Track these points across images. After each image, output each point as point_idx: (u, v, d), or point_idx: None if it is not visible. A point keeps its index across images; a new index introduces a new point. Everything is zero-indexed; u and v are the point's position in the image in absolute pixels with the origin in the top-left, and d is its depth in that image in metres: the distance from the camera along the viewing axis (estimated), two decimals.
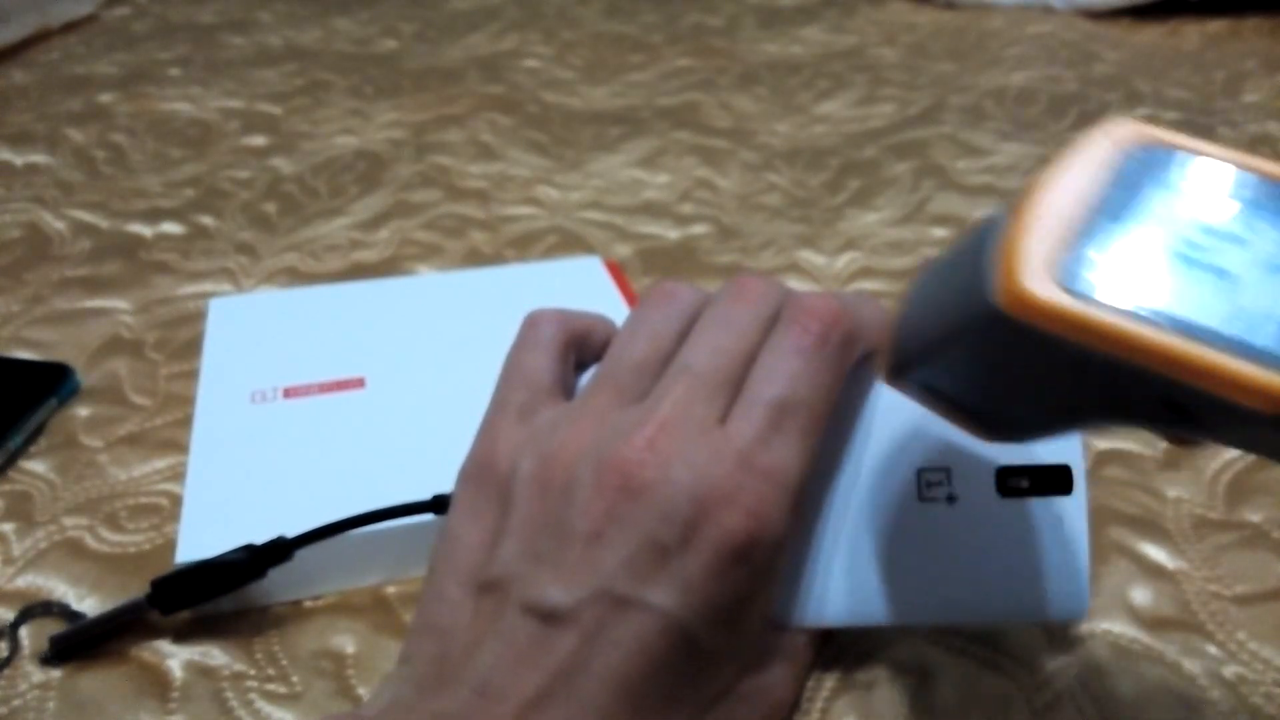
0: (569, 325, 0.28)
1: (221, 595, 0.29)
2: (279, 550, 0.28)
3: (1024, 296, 0.16)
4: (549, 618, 0.22)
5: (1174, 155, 0.17)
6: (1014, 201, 0.17)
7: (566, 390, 0.27)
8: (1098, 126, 0.17)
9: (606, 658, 0.21)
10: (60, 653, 0.28)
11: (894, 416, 0.27)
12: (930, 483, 0.26)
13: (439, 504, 0.28)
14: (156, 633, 0.29)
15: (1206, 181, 0.17)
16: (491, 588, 0.23)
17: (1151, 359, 0.15)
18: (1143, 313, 0.15)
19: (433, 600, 0.24)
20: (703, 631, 0.22)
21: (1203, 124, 0.59)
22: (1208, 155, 0.17)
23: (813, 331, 0.24)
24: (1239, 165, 0.17)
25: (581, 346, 0.28)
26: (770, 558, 0.23)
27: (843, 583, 0.26)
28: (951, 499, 0.26)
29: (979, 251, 0.17)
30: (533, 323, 0.28)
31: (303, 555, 0.29)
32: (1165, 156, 0.17)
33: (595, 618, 0.22)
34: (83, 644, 0.28)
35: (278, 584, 0.29)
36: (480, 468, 0.25)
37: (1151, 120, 0.54)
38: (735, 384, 0.24)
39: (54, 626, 0.29)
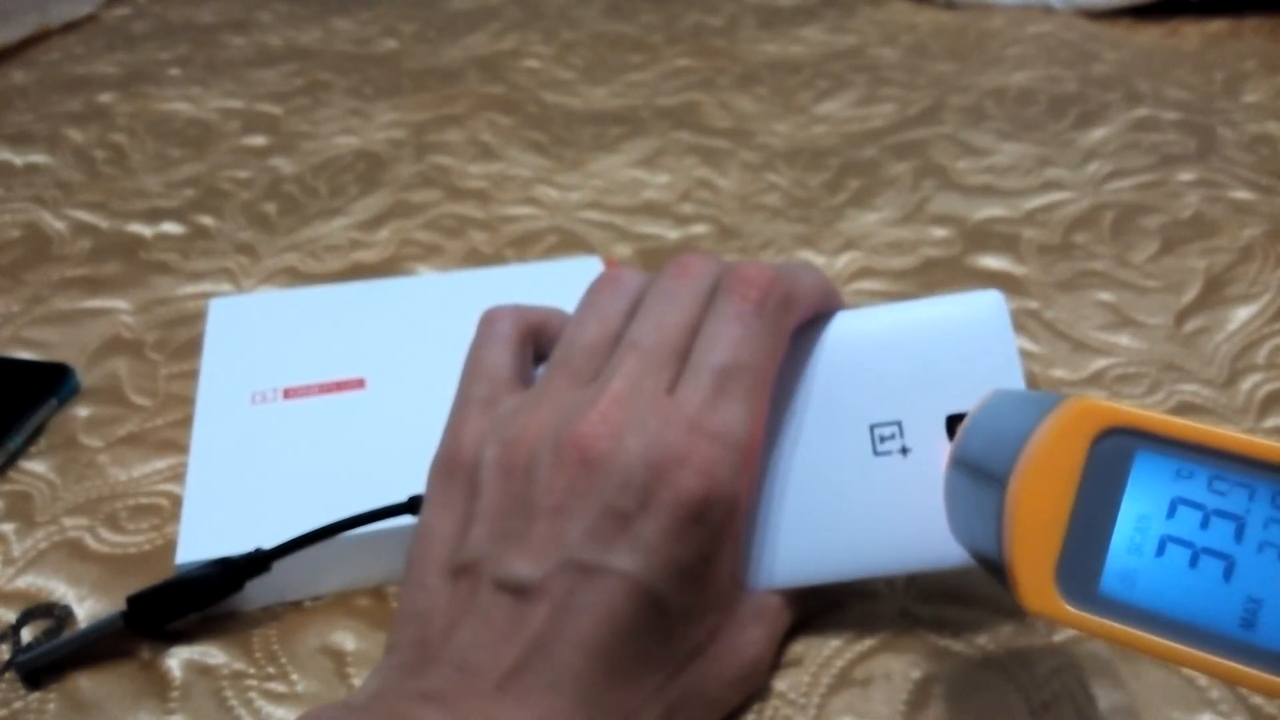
0: (524, 319, 0.29)
1: (199, 610, 0.29)
2: (256, 564, 0.28)
3: (1035, 611, 0.17)
4: (520, 592, 0.23)
5: (1137, 440, 0.18)
6: (1006, 506, 0.18)
7: (525, 380, 0.28)
8: (1063, 412, 0.18)
9: (577, 624, 0.22)
10: (31, 675, 0.28)
11: (842, 376, 0.28)
12: (883, 437, 0.27)
13: (415, 504, 0.28)
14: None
15: (1172, 461, 0.17)
16: (465, 570, 0.24)
17: (1157, 655, 0.17)
18: (1144, 616, 0.17)
19: (411, 590, 0.25)
20: (668, 592, 0.23)
21: (1203, 124, 0.59)
22: (1167, 433, 0.17)
23: (750, 298, 0.25)
24: (1201, 441, 0.17)
25: (538, 338, 0.29)
26: (726, 515, 0.24)
27: (805, 542, 0.27)
28: (905, 451, 0.27)
29: (991, 516, 0.18)
30: (489, 319, 0.29)
31: (287, 561, 0.29)
32: (1129, 442, 0.18)
33: (564, 587, 0.23)
34: (56, 664, 0.28)
35: (265, 589, 0.29)
36: (448, 461, 0.26)
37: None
38: (681, 355, 0.25)
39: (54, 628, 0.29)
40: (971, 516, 0.21)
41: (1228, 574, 0.17)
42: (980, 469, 0.20)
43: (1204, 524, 0.17)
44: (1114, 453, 0.17)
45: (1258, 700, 0.26)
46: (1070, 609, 0.17)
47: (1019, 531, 0.18)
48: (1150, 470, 0.17)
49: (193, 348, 0.41)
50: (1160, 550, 0.17)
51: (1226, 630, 0.16)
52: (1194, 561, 0.17)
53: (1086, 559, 0.17)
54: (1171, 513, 0.17)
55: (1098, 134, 0.59)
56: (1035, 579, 0.17)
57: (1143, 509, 0.17)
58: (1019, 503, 0.18)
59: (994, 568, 0.19)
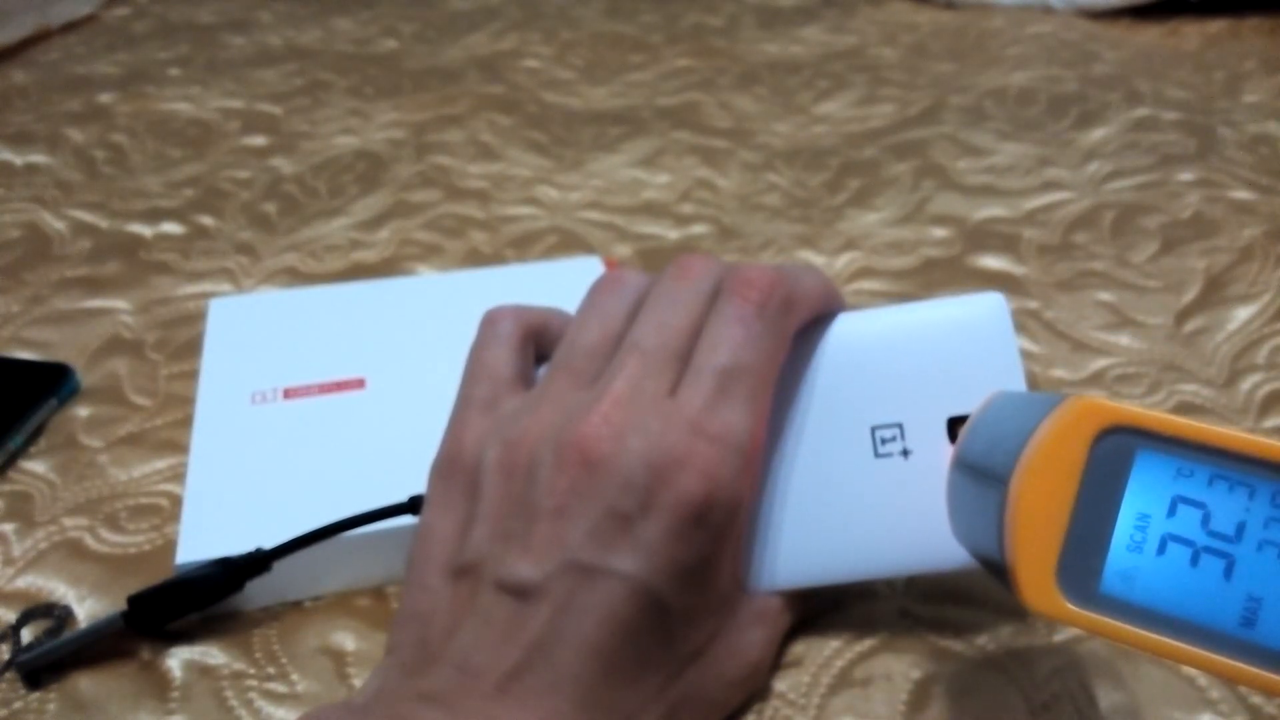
0: (526, 319, 0.29)
1: (199, 610, 0.29)
2: (256, 564, 0.28)
3: (1037, 610, 0.17)
4: (521, 593, 0.23)
5: (1137, 439, 0.18)
6: (1008, 505, 0.18)
7: (527, 381, 0.28)
8: (1064, 412, 0.18)
9: (578, 626, 0.22)
10: (31, 675, 0.28)
11: (844, 377, 0.28)
12: (884, 439, 0.27)
13: (416, 504, 0.28)
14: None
15: (1173, 460, 0.17)
16: (466, 571, 0.24)
17: (1158, 652, 0.17)
18: (1145, 614, 0.17)
19: (412, 591, 0.25)
20: (669, 594, 0.23)
21: (1203, 124, 0.59)
22: (1168, 432, 0.17)
23: (751, 300, 0.25)
24: (1202, 439, 0.17)
25: (540, 339, 0.29)
26: (728, 518, 0.24)
27: (805, 544, 0.27)
28: (906, 453, 0.27)
29: (993, 520, 0.18)
30: (491, 320, 0.29)
31: (287, 561, 0.29)
32: (1130, 441, 0.18)
33: (565, 589, 0.23)
34: (57, 664, 0.28)
35: (265, 589, 0.29)
36: (449, 461, 0.26)
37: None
38: (683, 357, 0.25)
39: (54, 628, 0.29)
40: (973, 517, 0.21)
41: (1228, 572, 0.17)
42: (982, 470, 0.20)
43: (1204, 523, 0.17)
44: (1115, 451, 0.17)
45: (1257, 700, 0.26)
46: (1071, 607, 0.17)
47: (1020, 530, 0.18)
48: (1151, 469, 0.17)
49: (193, 348, 0.41)
50: (1161, 549, 0.17)
51: (1226, 629, 0.16)
52: (1194, 560, 0.17)
53: (1087, 558, 0.17)
54: (1172, 511, 0.17)
55: (1098, 134, 0.59)
56: (1036, 578, 0.17)
57: (1143, 508, 0.17)
58: (1020, 502, 0.18)
59: (995, 568, 0.19)
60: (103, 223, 0.53)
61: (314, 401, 0.35)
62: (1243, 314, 0.42)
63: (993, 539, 0.18)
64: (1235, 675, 0.16)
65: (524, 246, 0.49)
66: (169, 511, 0.33)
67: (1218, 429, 0.17)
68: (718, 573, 0.25)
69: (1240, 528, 0.17)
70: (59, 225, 0.53)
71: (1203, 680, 0.27)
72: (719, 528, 0.24)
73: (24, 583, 0.31)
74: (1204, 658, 0.16)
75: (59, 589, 0.31)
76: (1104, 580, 0.17)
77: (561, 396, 0.25)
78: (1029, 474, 0.18)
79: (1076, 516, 0.17)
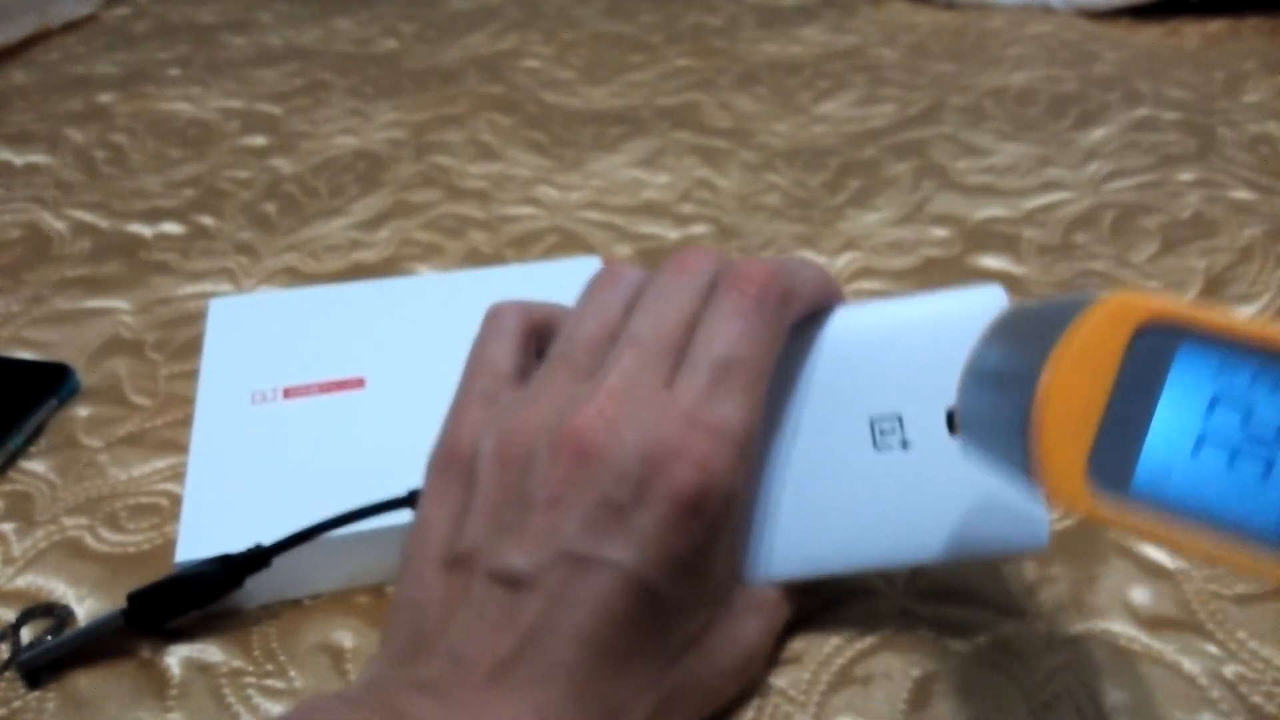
0: (529, 314, 0.29)
1: (200, 607, 0.29)
2: (256, 559, 0.28)
3: (1065, 505, 0.17)
4: (514, 583, 0.23)
5: (1179, 334, 0.17)
6: (1038, 394, 0.17)
7: (527, 376, 0.28)
8: (1103, 304, 0.17)
9: (572, 616, 0.22)
10: (31, 674, 0.28)
11: (842, 370, 0.28)
12: (883, 431, 0.27)
13: (414, 499, 0.28)
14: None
15: (1214, 357, 0.17)
16: (460, 562, 0.24)
17: (1188, 549, 0.16)
18: (1178, 513, 0.16)
19: (407, 581, 0.25)
20: (663, 584, 0.23)
21: (1203, 124, 0.59)
22: (1212, 328, 0.17)
23: (749, 294, 0.26)
24: (1244, 335, 0.16)
25: (544, 335, 0.29)
26: (723, 509, 0.24)
27: (804, 535, 0.27)
28: (905, 444, 0.27)
29: (1021, 415, 0.18)
30: (494, 314, 0.29)
31: (287, 558, 0.29)
32: (1171, 337, 0.17)
33: (558, 579, 0.23)
34: (56, 662, 0.28)
35: (265, 587, 0.29)
36: (446, 454, 0.26)
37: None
38: (680, 350, 0.25)
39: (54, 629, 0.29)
40: (993, 422, 0.20)
41: (1266, 474, 0.16)
42: (1004, 373, 0.19)
43: (1244, 423, 0.16)
44: (1155, 347, 0.17)
45: (1257, 699, 0.26)
46: (1101, 503, 0.17)
47: (1050, 424, 0.17)
48: (1191, 366, 0.17)
49: (193, 348, 0.41)
50: (1197, 448, 0.16)
51: (1262, 530, 0.16)
52: (1232, 461, 0.16)
53: (1120, 454, 0.17)
54: (1211, 410, 0.16)
55: (1098, 134, 0.59)
56: (1066, 472, 0.17)
57: (1181, 405, 0.17)
58: (1051, 395, 0.17)
59: (1018, 475, 0.18)
60: (103, 223, 0.53)
61: (314, 401, 0.35)
62: (1243, 314, 0.42)
63: (1016, 443, 0.18)
64: (1268, 573, 0.16)
65: (524, 246, 0.49)
66: (169, 511, 0.33)
67: (1265, 326, 0.16)
68: (712, 563, 0.25)
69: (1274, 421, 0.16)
70: (59, 225, 0.53)
71: (1203, 680, 0.27)
72: (713, 518, 0.24)
73: (24, 582, 0.31)
74: (1236, 556, 0.16)
75: (59, 588, 0.31)
76: (1136, 478, 0.17)
77: (558, 389, 0.25)
78: (1062, 368, 0.17)
79: (1110, 411, 0.17)
